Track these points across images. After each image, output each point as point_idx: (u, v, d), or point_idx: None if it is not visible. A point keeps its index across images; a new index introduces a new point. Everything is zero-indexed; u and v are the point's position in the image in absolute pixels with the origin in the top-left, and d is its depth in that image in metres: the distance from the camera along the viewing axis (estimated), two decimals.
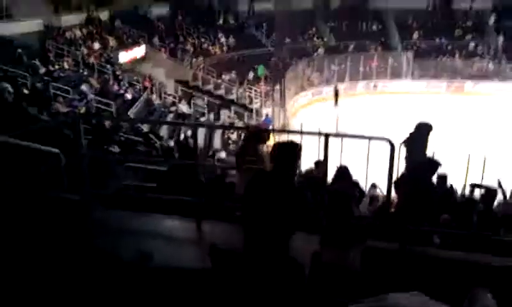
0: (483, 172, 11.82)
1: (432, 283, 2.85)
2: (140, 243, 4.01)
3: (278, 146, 3.33)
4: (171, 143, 13.28)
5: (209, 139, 18.12)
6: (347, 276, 2.99)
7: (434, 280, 2.98)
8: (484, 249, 3.93)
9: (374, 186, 10.11)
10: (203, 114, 21.59)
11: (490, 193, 5.86)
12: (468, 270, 3.26)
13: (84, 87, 16.92)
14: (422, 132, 5.45)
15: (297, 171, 3.47)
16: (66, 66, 18.59)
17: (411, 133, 5.54)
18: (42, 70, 16.80)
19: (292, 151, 3.27)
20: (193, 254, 4.04)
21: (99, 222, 4.67)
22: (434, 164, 5.51)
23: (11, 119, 8.58)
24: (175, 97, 22.19)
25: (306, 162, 8.01)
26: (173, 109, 20.64)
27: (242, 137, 9.56)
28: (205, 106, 22.52)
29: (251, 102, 24.18)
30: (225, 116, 21.92)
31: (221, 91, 24.52)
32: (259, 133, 6.00)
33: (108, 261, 2.77)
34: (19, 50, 16.92)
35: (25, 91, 13.20)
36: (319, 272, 2.82)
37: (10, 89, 10.97)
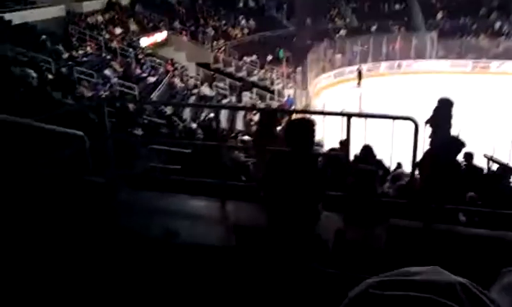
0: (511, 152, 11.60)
1: (456, 261, 2.84)
2: (166, 222, 4.09)
3: (291, 123, 3.33)
4: (194, 125, 13.36)
5: (232, 121, 18.15)
6: (370, 254, 3.00)
7: (458, 257, 2.97)
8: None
9: (399, 165, 10.02)
10: (225, 96, 21.62)
11: (506, 169, 5.77)
12: (493, 247, 3.23)
13: (107, 71, 17.13)
14: (445, 108, 5.34)
15: (314, 147, 3.45)
16: (89, 50, 18.79)
17: (434, 111, 5.43)
18: (65, 55, 17.03)
19: (305, 127, 3.26)
20: (218, 233, 4.10)
21: (125, 203, 4.76)
22: (459, 143, 5.43)
23: (36, 104, 8.77)
24: (197, 80, 22.26)
25: (330, 143, 7.99)
26: (195, 91, 20.72)
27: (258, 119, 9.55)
28: (227, 88, 22.52)
29: (272, 84, 24.08)
30: (247, 97, 21.89)
31: (243, 73, 24.47)
32: (274, 115, 5.99)
33: (134, 239, 2.84)
34: (43, 36, 17.14)
35: (50, 76, 13.42)
36: (343, 249, 2.83)
37: (34, 74, 11.20)
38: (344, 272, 2.23)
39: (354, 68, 26.77)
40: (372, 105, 18.34)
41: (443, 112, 5.34)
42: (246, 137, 14.13)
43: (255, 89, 22.87)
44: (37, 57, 14.76)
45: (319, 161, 5.10)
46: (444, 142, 5.21)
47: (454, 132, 5.45)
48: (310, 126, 3.28)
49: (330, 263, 2.69)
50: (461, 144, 5.52)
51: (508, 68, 27.69)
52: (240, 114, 18.92)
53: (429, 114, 5.50)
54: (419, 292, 0.71)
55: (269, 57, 26.53)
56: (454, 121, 5.32)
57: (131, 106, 12.25)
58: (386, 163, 7.99)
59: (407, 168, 6.47)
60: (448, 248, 3.09)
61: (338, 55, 28.47)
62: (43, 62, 14.62)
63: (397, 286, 0.74)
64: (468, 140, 5.96)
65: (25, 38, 16.36)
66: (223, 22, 29.36)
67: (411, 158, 4.37)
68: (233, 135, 12.90)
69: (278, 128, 5.84)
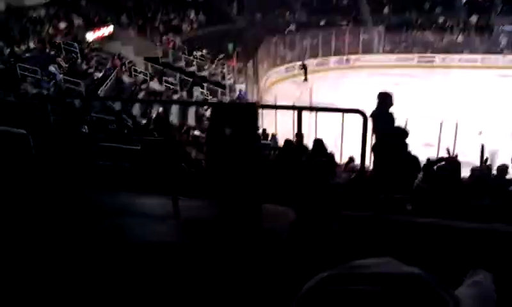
0: (455, 138, 12.18)
1: (407, 249, 2.91)
2: (115, 220, 3.97)
3: (233, 108, 3.32)
4: (144, 121, 13.10)
5: (183, 116, 17.93)
6: (324, 245, 3.02)
7: (408, 246, 3.05)
8: (457, 214, 4.04)
9: (351, 159, 10.25)
10: (175, 92, 21.31)
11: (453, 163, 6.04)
12: (441, 234, 3.34)
13: (51, 67, 16.46)
14: (385, 101, 5.54)
15: (257, 132, 3.45)
16: (32, 46, 18.00)
17: (376, 104, 5.61)
18: (7, 51, 16.22)
19: (246, 112, 3.26)
20: (170, 230, 4.02)
21: (72, 202, 4.58)
22: (401, 133, 5.62)
23: None
24: (145, 75, 21.81)
25: (282, 137, 8.04)
26: (144, 87, 20.31)
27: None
28: (177, 83, 22.21)
29: (223, 79, 23.97)
30: (198, 92, 21.68)
31: (193, 68, 24.20)
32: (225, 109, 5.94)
33: (83, 238, 2.73)
34: None
35: None
36: (297, 241, 2.84)
37: None
38: (298, 266, 2.23)
39: (305, 62, 27.14)
40: (323, 99, 18.68)
41: (383, 105, 5.51)
42: (198, 133, 14.03)
43: (205, 84, 22.68)
44: None
45: (272, 154, 5.11)
46: (386, 134, 5.37)
47: (398, 122, 5.63)
48: (250, 110, 3.28)
49: (284, 257, 2.69)
50: (404, 134, 5.71)
51: (452, 61, 28.96)
52: (192, 109, 18.72)
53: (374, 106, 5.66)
54: (372, 285, 0.70)
55: (220, 52, 26.38)
56: (395, 112, 5.51)
57: (77, 103, 11.85)
58: (337, 155, 8.14)
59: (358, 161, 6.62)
60: (398, 237, 3.17)
61: (288, 50, 28.73)
62: None
63: (349, 280, 0.73)
64: (413, 130, 6.18)
65: None
66: (172, 15, 28.90)
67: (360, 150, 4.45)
68: (184, 130, 12.76)
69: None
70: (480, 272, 1.36)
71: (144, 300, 1.85)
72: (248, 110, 3.23)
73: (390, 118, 5.44)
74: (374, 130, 5.50)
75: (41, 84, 14.24)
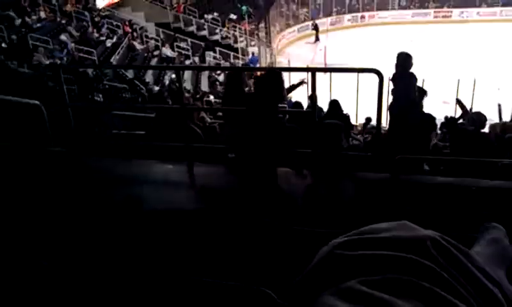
0: (473, 95, 11.94)
1: (424, 210, 2.89)
2: (132, 189, 4.00)
3: (259, 77, 3.32)
4: (157, 88, 13.07)
5: (196, 82, 17.85)
6: (339, 208, 3.01)
7: (425, 206, 3.02)
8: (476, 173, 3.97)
9: (368, 120, 10.13)
10: (187, 57, 21.14)
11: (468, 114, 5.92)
12: (459, 194, 3.30)
13: (63, 36, 16.40)
14: (406, 62, 5.37)
15: (284, 99, 3.45)
16: (42, 15, 17.90)
17: (395, 66, 5.45)
18: (18, 22, 16.17)
19: (272, 78, 3.23)
20: (187, 197, 4.05)
21: (88, 172, 4.62)
22: (421, 93, 5.51)
23: None
24: (157, 41, 21.64)
25: (298, 98, 7.95)
26: (156, 53, 20.18)
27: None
28: (189, 48, 22.01)
29: (236, 42, 23.66)
30: (210, 57, 21.49)
31: (205, 32, 23.91)
32: (240, 74, 5.88)
33: (99, 208, 2.75)
34: None
35: (3, 45, 12.77)
36: (312, 205, 2.83)
37: None
38: (313, 229, 2.22)
39: (318, 21, 26.60)
40: (337, 59, 18.36)
41: (403, 66, 5.36)
42: (212, 98, 13.97)
43: (218, 49, 22.43)
44: None
45: (285, 117, 5.07)
46: (404, 94, 5.25)
47: (417, 82, 5.49)
48: (277, 76, 3.25)
49: (300, 220, 2.69)
50: (423, 93, 5.59)
51: (470, 16, 28.09)
52: (205, 74, 18.61)
53: (392, 64, 5.52)
54: (386, 250, 0.68)
55: (231, 15, 25.96)
56: (415, 73, 5.36)
57: (90, 72, 11.85)
58: (354, 117, 8.05)
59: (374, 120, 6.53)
60: (415, 198, 3.13)
61: (302, 10, 28.14)
62: None
63: (363, 246, 0.71)
64: (430, 88, 6.05)
65: None
66: None
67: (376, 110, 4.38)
68: (198, 96, 12.71)
69: (246, 87, 5.72)
70: (493, 226, 1.34)
71: (162, 269, 1.87)
72: (273, 77, 3.21)
73: (411, 79, 5.28)
74: (393, 92, 5.37)
75: (53, 54, 14.22)
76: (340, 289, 0.65)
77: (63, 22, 18.40)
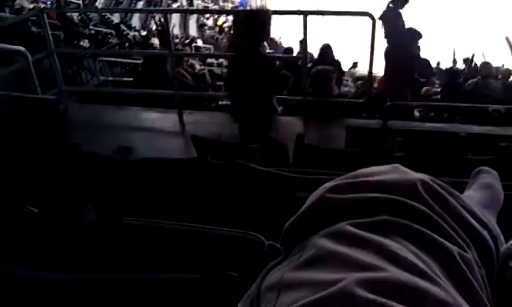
0: None
1: (414, 155, 2.90)
2: (120, 137, 3.97)
3: (241, 13, 3.26)
4: (143, 33, 12.74)
5: (184, 26, 17.42)
6: (330, 155, 3.02)
7: (415, 152, 3.03)
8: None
9: (355, 65, 10.04)
10: (175, 0, 20.48)
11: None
12: (448, 139, 3.31)
13: None
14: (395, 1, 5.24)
15: (266, 38, 3.37)
16: None
17: (387, 7, 5.30)
18: None
19: (255, 17, 3.16)
20: (177, 144, 4.03)
21: (76, 119, 4.56)
22: (414, 34, 5.41)
23: None
24: None
25: (289, 43, 7.82)
26: None
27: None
28: None
29: None
30: (198, 0, 20.86)
31: None
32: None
33: (87, 157, 2.70)
34: None
35: None
36: (302, 152, 2.83)
37: None
38: (304, 175, 2.21)
39: None
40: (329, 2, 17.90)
41: (393, 5, 5.23)
42: (200, 43, 13.69)
43: None
44: None
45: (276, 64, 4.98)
46: (397, 36, 5.14)
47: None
48: (262, 16, 3.17)
49: (291, 167, 2.69)
50: (417, 35, 5.48)
51: None
52: (193, 18, 18.13)
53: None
54: (377, 193, 0.68)
55: None
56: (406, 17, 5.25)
57: (75, 16, 11.47)
58: (344, 61, 7.95)
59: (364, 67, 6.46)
60: (406, 144, 3.14)
61: None
62: None
63: (355, 189, 0.71)
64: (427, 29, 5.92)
65: None
66: None
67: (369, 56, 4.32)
68: (187, 42, 12.43)
69: None
70: (485, 170, 1.35)
71: (154, 217, 1.86)
72: (261, 17, 3.12)
73: (399, 18, 5.16)
74: (386, 34, 5.26)
75: None
76: (330, 231, 0.65)
77: None
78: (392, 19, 5.15)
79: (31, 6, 12.32)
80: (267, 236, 1.09)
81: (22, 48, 4.62)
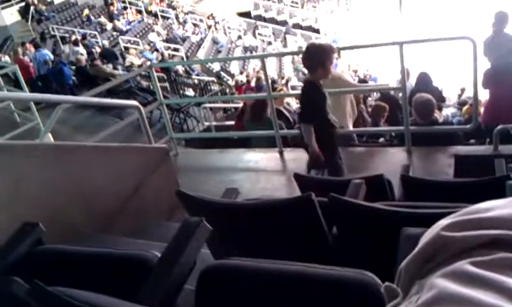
0: None
1: None
2: (226, 178, 4.16)
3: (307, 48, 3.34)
4: (242, 78, 13.30)
5: (280, 67, 17.92)
6: (438, 187, 2.90)
7: None
8: None
9: (463, 91, 9.56)
10: (269, 43, 21.24)
11: None
12: None
13: (151, 36, 17.25)
14: (502, 21, 4.94)
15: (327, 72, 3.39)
16: (131, 18, 18.93)
17: (492, 27, 5.03)
18: (109, 26, 17.28)
19: (316, 51, 3.21)
20: (279, 182, 4.13)
21: (185, 163, 4.87)
22: None
23: (90, 80, 9.06)
24: (239, 30, 21.96)
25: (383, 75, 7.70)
26: (239, 43, 20.51)
27: None
28: (271, 34, 22.07)
29: (316, 22, 23.30)
30: (292, 41, 21.39)
31: (285, 16, 23.80)
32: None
33: (198, 201, 2.86)
34: (86, 11, 17.47)
35: (98, 49, 13.73)
36: (409, 185, 2.75)
37: (83, 52, 11.48)
38: (413, 210, 2.17)
39: None
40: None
41: (500, 26, 4.96)
42: (296, 82, 13.96)
43: (299, 32, 22.25)
44: (85, 32, 15.12)
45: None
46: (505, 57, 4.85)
47: None
48: (319, 50, 3.24)
49: (397, 201, 2.63)
50: None
51: None
52: (288, 59, 18.60)
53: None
54: (495, 229, 0.66)
55: None
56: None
57: (180, 68, 12.35)
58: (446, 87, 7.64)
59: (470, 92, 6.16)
60: None
61: None
62: (90, 36, 14.96)
63: (472, 226, 0.70)
64: None
65: (71, 14, 16.76)
66: None
67: (472, 80, 4.13)
68: (283, 82, 12.76)
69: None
70: None
71: (263, 257, 1.95)
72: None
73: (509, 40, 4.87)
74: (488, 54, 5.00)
75: (143, 55, 15.03)
76: (449, 271, 0.65)
77: (150, 21, 19.32)
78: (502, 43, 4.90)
79: (140, 61, 13.55)
80: (378, 275, 1.09)
81: (136, 103, 5.08)
